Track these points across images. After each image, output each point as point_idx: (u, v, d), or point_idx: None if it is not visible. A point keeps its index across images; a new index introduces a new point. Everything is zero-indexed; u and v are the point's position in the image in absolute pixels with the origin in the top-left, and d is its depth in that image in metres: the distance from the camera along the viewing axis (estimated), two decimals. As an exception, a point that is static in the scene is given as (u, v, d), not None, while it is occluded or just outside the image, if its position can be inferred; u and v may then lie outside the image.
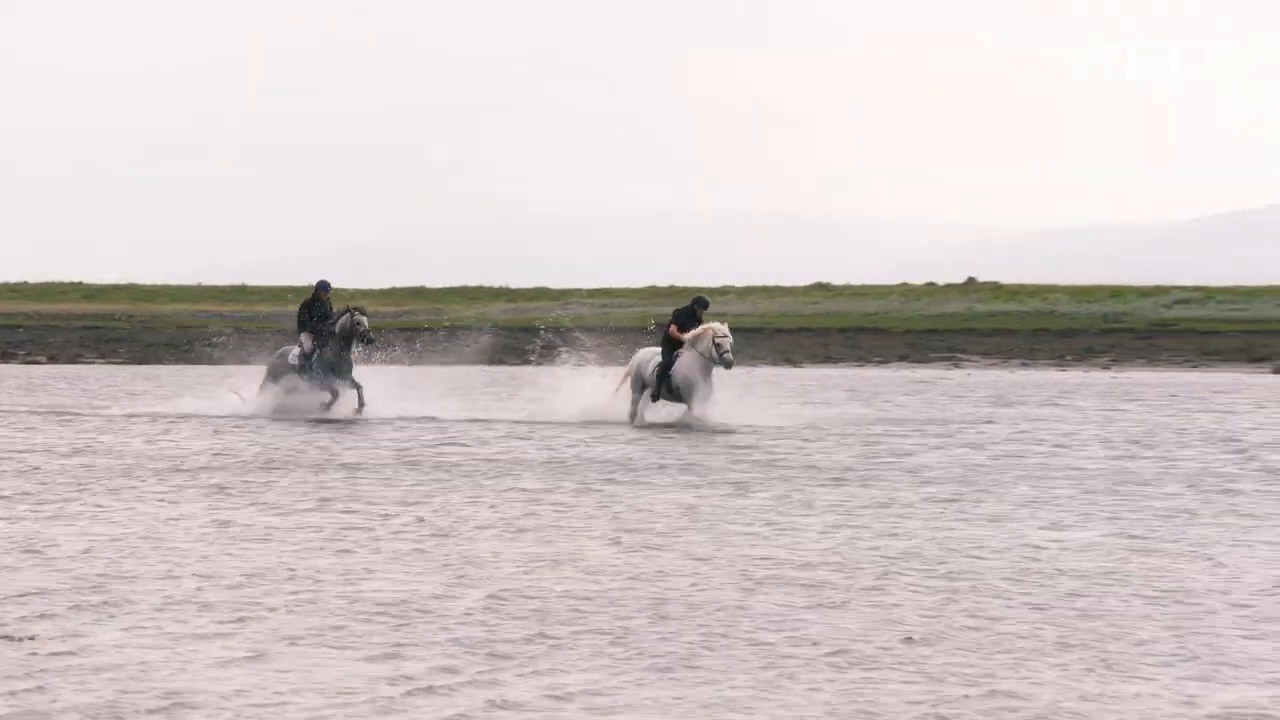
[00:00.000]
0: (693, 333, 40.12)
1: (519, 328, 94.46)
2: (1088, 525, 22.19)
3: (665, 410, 40.74)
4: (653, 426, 39.43)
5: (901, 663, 14.02)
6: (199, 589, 17.20)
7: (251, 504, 24.25)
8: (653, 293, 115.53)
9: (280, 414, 41.27)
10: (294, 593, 17.05)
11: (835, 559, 19.20)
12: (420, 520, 22.43)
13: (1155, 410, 46.29)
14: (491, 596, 16.83)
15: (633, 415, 40.48)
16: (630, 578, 17.98)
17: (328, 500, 24.68)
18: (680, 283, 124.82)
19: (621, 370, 42.11)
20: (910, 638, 14.94)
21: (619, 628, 15.39)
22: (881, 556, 19.36)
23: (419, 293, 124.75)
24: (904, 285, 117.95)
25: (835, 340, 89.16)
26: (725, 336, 39.95)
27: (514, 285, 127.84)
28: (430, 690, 13.12)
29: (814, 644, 14.69)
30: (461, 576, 17.98)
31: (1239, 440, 35.63)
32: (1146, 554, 19.69)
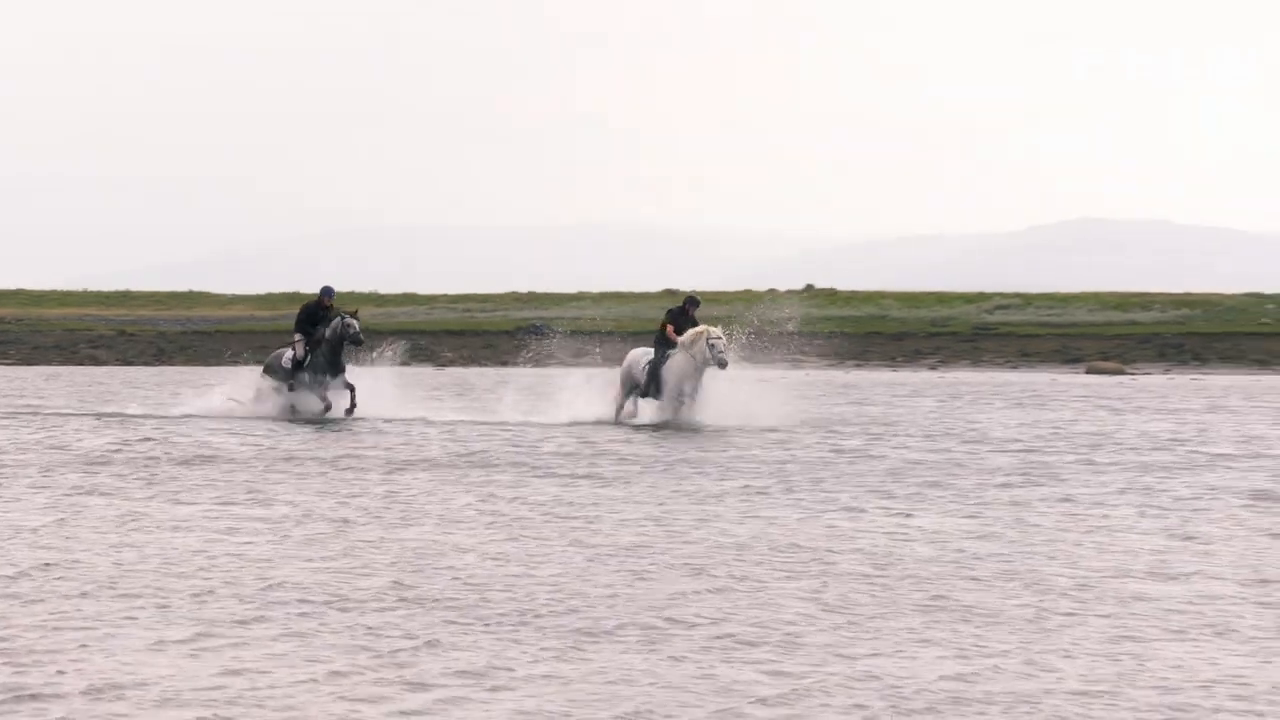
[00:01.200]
0: (688, 335, 38.86)
1: (389, 330, 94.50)
2: (930, 512, 22.36)
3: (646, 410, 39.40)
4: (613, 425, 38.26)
5: (780, 643, 14.08)
6: (118, 577, 17.10)
7: (164, 497, 24.11)
8: (514, 298, 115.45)
9: (277, 418, 40.01)
10: (210, 580, 17.00)
11: (707, 546, 19.25)
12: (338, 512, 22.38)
13: (981, 408, 46.61)
14: (395, 583, 16.84)
15: (617, 413, 39.36)
16: (523, 565, 18.01)
17: (243, 493, 24.62)
18: (540, 288, 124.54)
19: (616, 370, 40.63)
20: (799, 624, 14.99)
21: (515, 611, 15.43)
22: (734, 544, 19.42)
23: (294, 298, 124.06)
24: (747, 291, 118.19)
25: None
26: (719, 338, 38.72)
27: (383, 291, 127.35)
28: (350, 670, 13.11)
29: (691, 626, 14.73)
30: (365, 565, 17.98)
31: (1063, 431, 35.98)
32: (986, 539, 19.85)
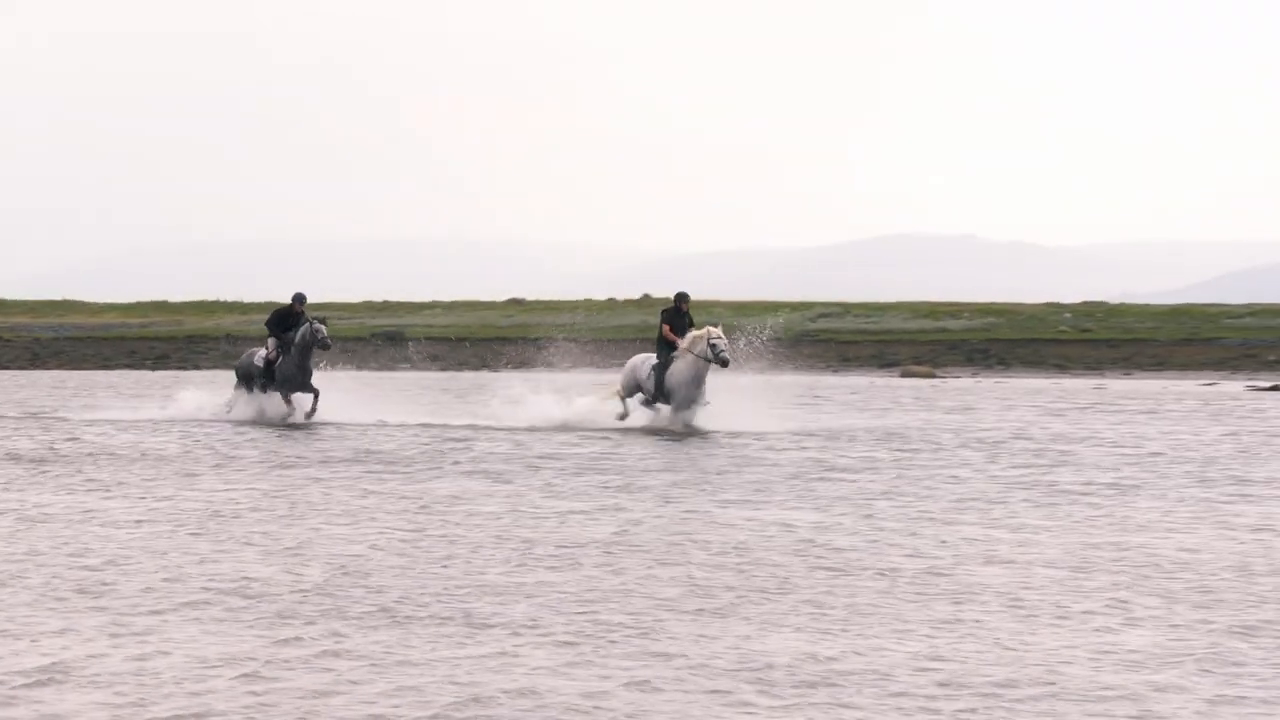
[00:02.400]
0: (688, 337, 37.46)
1: (253, 337, 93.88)
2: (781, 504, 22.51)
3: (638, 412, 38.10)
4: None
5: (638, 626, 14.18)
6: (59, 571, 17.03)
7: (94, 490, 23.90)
8: (369, 307, 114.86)
9: (252, 421, 39.20)
10: (148, 573, 16.95)
11: (578, 540, 19.32)
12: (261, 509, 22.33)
13: (811, 410, 46.88)
14: (324, 572, 16.90)
15: (622, 416, 37.91)
16: (406, 555, 18.02)
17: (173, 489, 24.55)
18: (394, 298, 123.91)
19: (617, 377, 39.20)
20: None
21: (408, 598, 15.49)
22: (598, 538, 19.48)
23: (161, 306, 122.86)
24: (588, 300, 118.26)
25: (529, 349, 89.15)
26: (720, 337, 37.38)
27: (247, 300, 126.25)
28: (286, 643, 13.15)
29: (566, 614, 14.81)
30: (280, 556, 17.95)
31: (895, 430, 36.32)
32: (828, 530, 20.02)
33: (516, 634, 13.91)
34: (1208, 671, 12.73)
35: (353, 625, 14.28)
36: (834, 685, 12.24)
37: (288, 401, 39.37)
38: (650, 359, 38.01)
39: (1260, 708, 11.75)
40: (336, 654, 13.13)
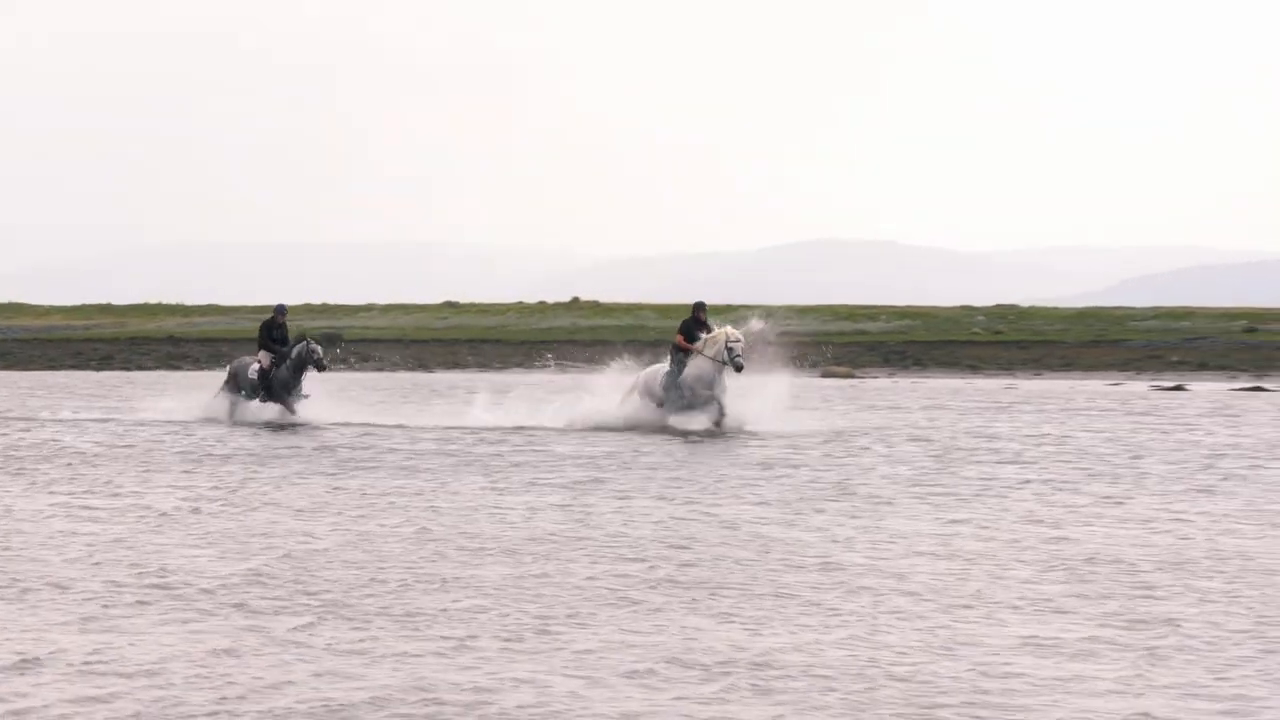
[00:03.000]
0: (707, 338, 36.56)
1: (194, 339, 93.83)
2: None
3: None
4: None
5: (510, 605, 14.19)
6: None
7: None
8: (308, 309, 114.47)
9: (236, 421, 39.13)
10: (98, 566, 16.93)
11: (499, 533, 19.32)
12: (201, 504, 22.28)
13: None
14: (258, 562, 16.89)
15: (647, 422, 36.53)
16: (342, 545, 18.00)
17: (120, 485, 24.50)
18: (332, 301, 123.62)
19: (629, 380, 38.33)
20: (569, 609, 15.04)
21: (339, 586, 15.47)
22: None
23: (105, 309, 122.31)
24: (519, 304, 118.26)
25: (463, 350, 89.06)
26: (738, 340, 36.29)
27: (189, 303, 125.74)
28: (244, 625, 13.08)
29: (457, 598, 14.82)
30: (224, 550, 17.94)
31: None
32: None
33: (460, 625, 13.91)
34: (1122, 656, 12.86)
35: (313, 616, 14.28)
36: (763, 670, 12.30)
37: (283, 405, 39.62)
38: (662, 367, 37.45)
39: (1169, 694, 11.86)
40: (297, 644, 13.13)
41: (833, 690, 11.86)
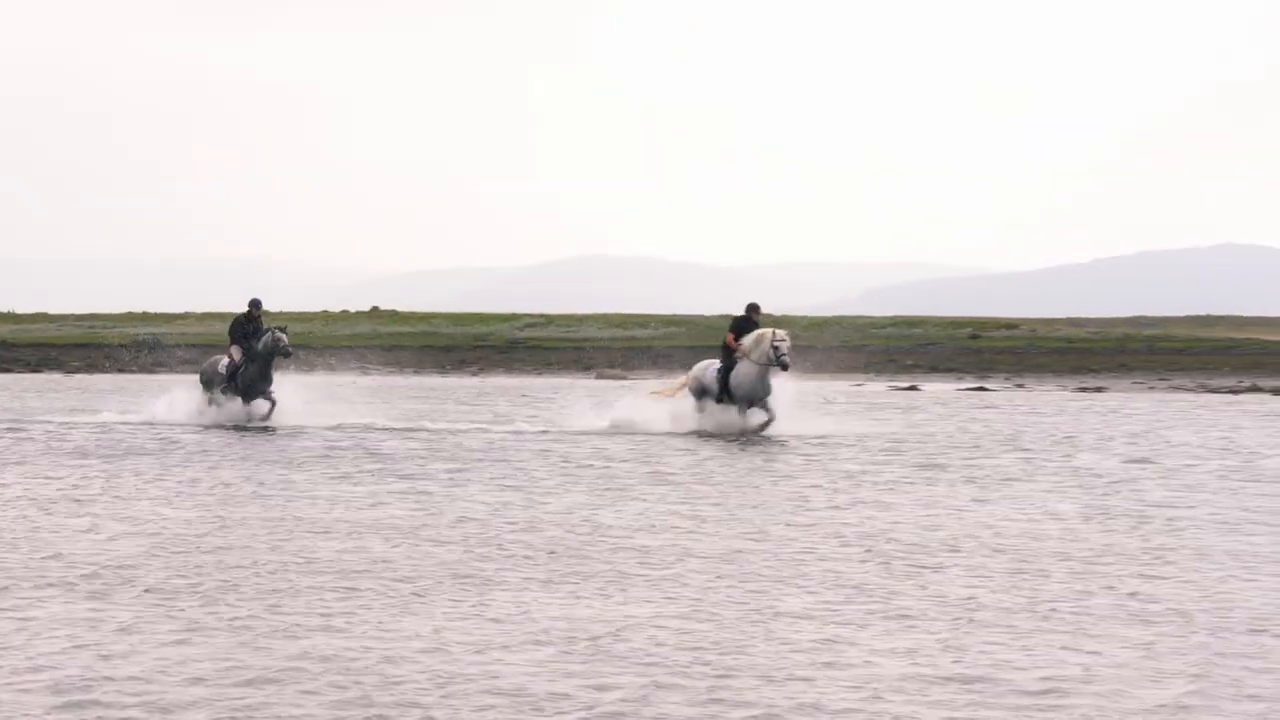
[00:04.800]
0: (749, 339, 34.07)
1: (24, 344, 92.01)
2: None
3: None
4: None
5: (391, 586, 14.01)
6: None
7: None
8: (130, 317, 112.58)
9: (211, 422, 36.56)
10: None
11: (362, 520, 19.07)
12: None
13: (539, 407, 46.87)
14: (159, 548, 16.47)
15: (695, 419, 34.65)
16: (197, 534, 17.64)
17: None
18: (154, 309, 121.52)
19: (678, 378, 36.54)
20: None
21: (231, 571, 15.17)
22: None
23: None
24: (325, 312, 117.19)
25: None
26: (783, 340, 33.70)
27: (19, 311, 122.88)
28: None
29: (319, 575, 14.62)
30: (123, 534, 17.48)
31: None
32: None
33: (332, 596, 13.72)
34: (884, 626, 12.96)
35: (199, 599, 14.04)
36: (594, 641, 12.25)
37: (248, 405, 37.04)
38: (714, 364, 35.05)
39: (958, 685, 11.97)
40: (183, 623, 12.86)
41: (659, 650, 11.83)
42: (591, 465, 26.87)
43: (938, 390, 60.73)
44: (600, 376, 76.26)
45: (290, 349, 37.21)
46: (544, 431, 35.06)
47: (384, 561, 16.18)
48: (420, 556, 16.53)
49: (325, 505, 20.87)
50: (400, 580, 15.11)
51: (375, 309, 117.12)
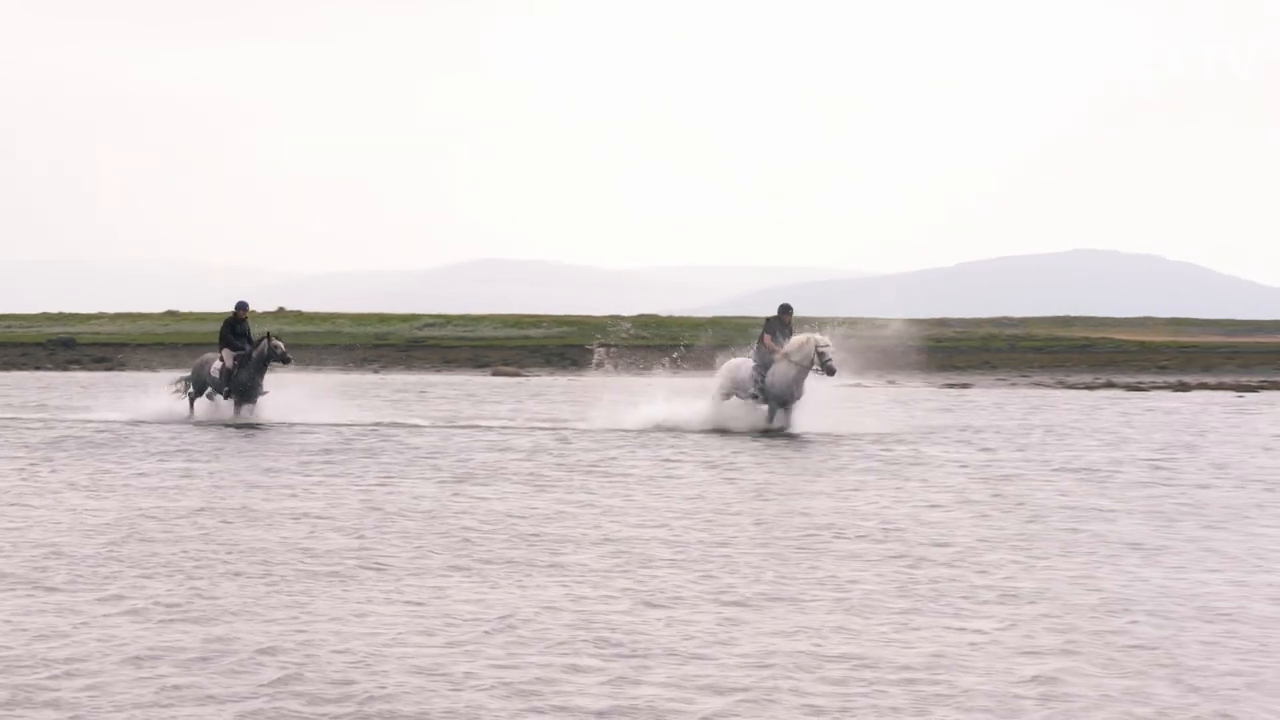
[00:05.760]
0: (793, 342, 33.11)
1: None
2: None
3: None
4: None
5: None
6: None
7: None
8: (45, 317, 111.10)
9: (200, 421, 35.52)
10: None
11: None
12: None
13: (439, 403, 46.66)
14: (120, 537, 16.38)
15: (719, 417, 33.66)
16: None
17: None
18: (69, 310, 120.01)
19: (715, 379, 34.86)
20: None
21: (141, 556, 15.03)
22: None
23: None
24: (232, 312, 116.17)
25: (182, 353, 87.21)
26: (827, 345, 32.77)
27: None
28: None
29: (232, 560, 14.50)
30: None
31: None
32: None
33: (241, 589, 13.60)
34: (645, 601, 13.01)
35: (127, 584, 13.91)
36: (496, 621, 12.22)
37: (238, 408, 35.99)
38: (748, 362, 33.94)
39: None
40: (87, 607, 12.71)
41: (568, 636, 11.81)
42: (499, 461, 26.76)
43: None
44: (495, 374, 76.13)
45: (289, 356, 36.38)
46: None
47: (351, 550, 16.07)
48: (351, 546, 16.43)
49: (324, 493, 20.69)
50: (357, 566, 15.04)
51: (281, 309, 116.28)
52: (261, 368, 36.11)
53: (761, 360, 33.54)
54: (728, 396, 34.19)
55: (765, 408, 33.66)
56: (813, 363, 32.82)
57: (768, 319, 34.46)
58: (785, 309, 34.38)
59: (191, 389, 36.91)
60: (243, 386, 36.05)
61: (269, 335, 36.44)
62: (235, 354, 36.18)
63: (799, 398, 33.38)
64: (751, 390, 33.57)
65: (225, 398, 36.28)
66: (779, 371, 33.21)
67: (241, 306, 37.63)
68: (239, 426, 34.29)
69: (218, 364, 36.43)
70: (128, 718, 9.75)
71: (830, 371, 32.71)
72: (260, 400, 36.12)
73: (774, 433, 32.92)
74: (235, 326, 36.73)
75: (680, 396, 35.88)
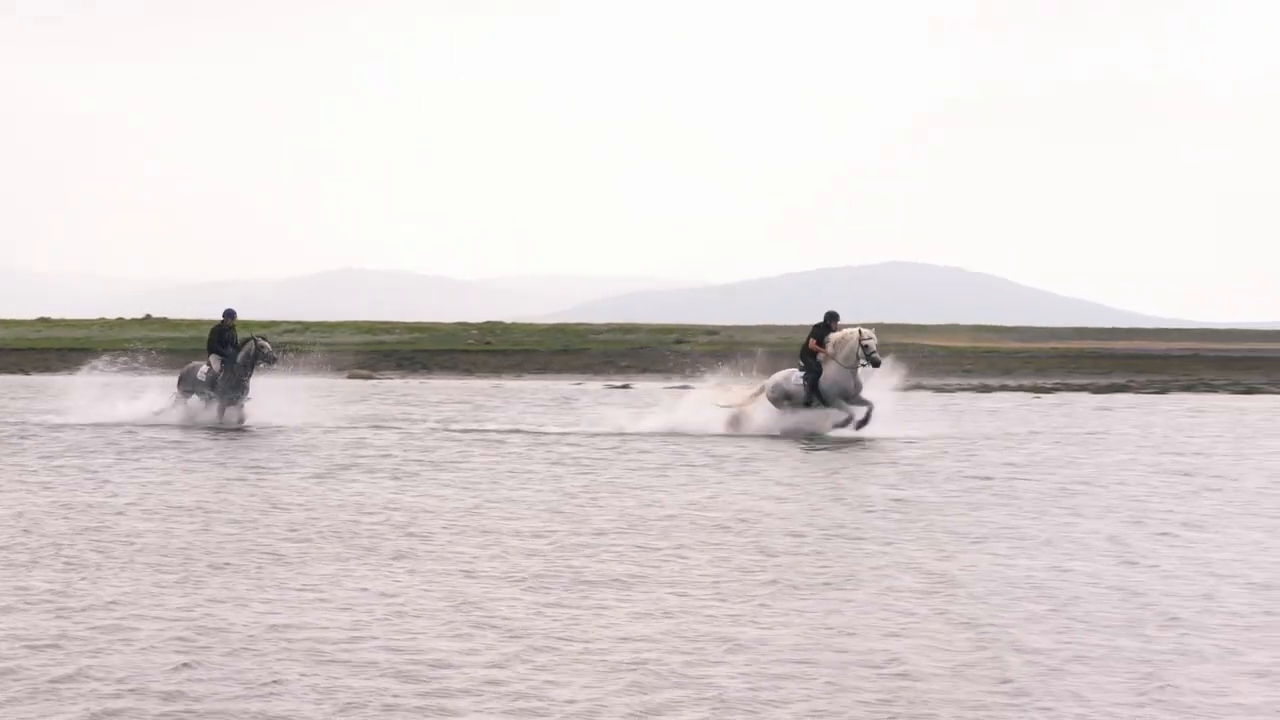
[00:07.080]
0: (834, 339, 31.34)
1: None
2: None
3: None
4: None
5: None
6: None
7: None
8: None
9: (187, 423, 34.10)
10: None
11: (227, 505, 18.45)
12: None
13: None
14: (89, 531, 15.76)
15: (777, 424, 31.73)
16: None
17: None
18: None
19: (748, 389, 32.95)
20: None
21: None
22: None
23: None
24: (102, 319, 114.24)
25: (53, 359, 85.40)
26: (871, 337, 31.10)
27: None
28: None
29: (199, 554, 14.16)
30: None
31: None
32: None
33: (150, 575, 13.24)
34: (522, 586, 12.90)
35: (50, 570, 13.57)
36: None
37: (222, 411, 34.61)
38: (794, 373, 32.13)
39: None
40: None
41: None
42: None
43: (648, 388, 61.09)
44: (351, 376, 75.54)
45: (275, 355, 35.29)
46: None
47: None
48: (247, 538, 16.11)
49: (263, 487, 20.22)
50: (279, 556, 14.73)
51: (148, 317, 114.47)
52: (247, 371, 34.96)
53: (809, 366, 31.92)
54: (778, 405, 32.18)
55: (814, 411, 31.83)
56: (859, 358, 31.28)
57: (815, 326, 32.47)
58: (832, 316, 32.36)
59: (181, 393, 35.67)
60: (228, 390, 34.77)
61: (254, 337, 35.49)
62: (221, 359, 35.00)
63: (858, 391, 31.54)
64: (801, 398, 31.92)
65: (209, 400, 34.99)
66: (831, 373, 31.47)
67: (229, 314, 36.18)
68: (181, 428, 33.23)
69: (204, 368, 35.45)
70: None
71: (875, 363, 31.19)
72: (246, 406, 34.95)
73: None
74: (223, 334, 35.42)
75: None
